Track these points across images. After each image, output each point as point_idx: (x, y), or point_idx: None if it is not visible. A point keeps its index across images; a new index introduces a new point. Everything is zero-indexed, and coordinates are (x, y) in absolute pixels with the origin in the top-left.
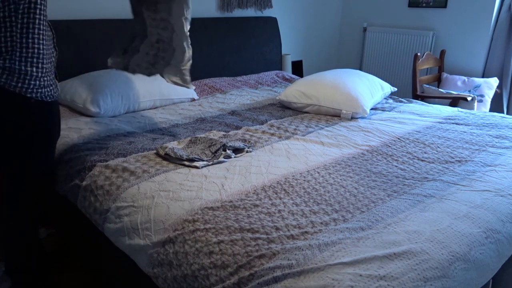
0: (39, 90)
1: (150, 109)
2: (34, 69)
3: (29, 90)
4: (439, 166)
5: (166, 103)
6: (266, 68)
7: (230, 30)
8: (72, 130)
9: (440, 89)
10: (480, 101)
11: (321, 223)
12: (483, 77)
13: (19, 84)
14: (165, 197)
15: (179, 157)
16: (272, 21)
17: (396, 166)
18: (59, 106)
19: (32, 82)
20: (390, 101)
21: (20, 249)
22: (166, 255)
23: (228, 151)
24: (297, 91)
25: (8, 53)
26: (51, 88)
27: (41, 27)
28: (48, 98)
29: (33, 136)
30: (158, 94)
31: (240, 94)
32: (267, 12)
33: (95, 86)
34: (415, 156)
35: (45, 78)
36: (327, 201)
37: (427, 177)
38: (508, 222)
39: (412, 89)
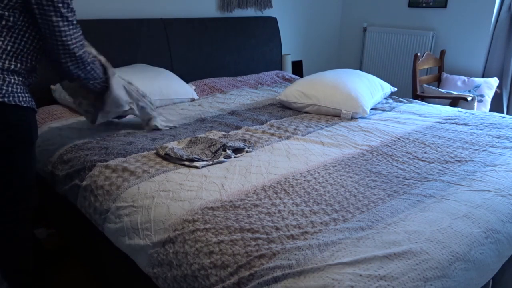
0: (11, 95)
1: None
2: (7, 71)
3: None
4: (439, 166)
5: (166, 103)
6: (266, 68)
7: (230, 30)
8: (72, 130)
9: (440, 89)
10: (480, 101)
11: (321, 223)
12: (483, 77)
13: None
14: (165, 197)
15: (179, 157)
16: (272, 21)
17: (396, 166)
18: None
19: (5, 88)
20: (390, 101)
21: (15, 252)
22: (166, 255)
23: (228, 151)
24: (297, 91)
25: None
26: (24, 94)
27: (14, 34)
28: (22, 103)
29: (11, 140)
30: (158, 94)
31: (240, 94)
32: (267, 12)
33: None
34: (415, 156)
35: (18, 83)
36: (327, 201)
37: (427, 177)
38: (508, 222)
39: (412, 89)
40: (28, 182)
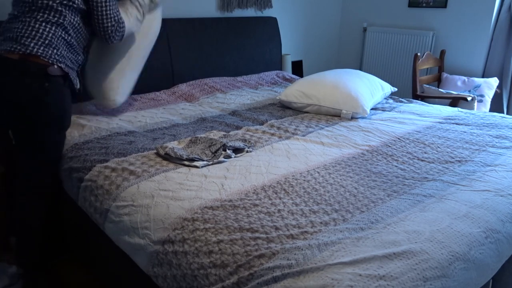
0: (60, 59)
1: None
2: (69, 53)
3: (52, 58)
4: (439, 166)
5: None
6: (266, 68)
7: (230, 30)
8: (73, 129)
9: (440, 89)
10: (480, 101)
11: (321, 223)
12: (483, 77)
13: (53, 56)
14: (165, 197)
15: (179, 156)
16: (272, 21)
17: (396, 166)
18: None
19: (57, 58)
20: (390, 101)
21: (26, 225)
22: (165, 255)
23: (228, 151)
24: (297, 91)
25: (49, 35)
26: (76, 74)
27: (69, 23)
28: (66, 69)
29: (50, 115)
30: None
31: (241, 94)
32: (267, 12)
33: (109, 76)
34: (415, 156)
35: (73, 65)
36: (327, 201)
37: (427, 177)
38: (508, 222)
39: (412, 89)
40: (47, 157)
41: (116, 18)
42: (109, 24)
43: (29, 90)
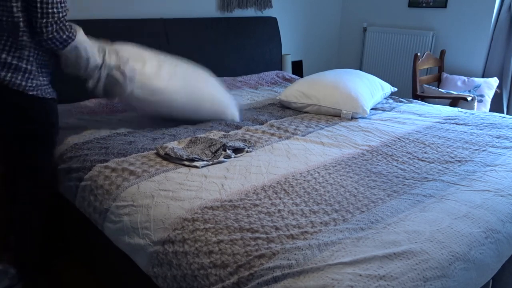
0: (39, 88)
1: None
2: (38, 68)
3: (31, 88)
4: (439, 166)
5: None
6: (266, 68)
7: (230, 30)
8: (73, 129)
9: (440, 89)
10: (480, 101)
11: (321, 223)
12: (483, 77)
13: (23, 83)
14: (165, 197)
15: (179, 157)
16: (272, 21)
17: (396, 166)
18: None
19: (35, 81)
20: (390, 101)
21: (29, 228)
22: (165, 255)
23: (228, 151)
24: (297, 91)
25: (17, 52)
26: (49, 87)
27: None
28: (48, 95)
29: (37, 131)
30: None
31: (241, 94)
32: (267, 12)
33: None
34: (415, 156)
35: (44, 78)
36: (327, 201)
37: (427, 177)
38: (508, 222)
39: (412, 89)
40: (47, 157)
41: (58, 17)
42: (47, 20)
43: (14, 106)
